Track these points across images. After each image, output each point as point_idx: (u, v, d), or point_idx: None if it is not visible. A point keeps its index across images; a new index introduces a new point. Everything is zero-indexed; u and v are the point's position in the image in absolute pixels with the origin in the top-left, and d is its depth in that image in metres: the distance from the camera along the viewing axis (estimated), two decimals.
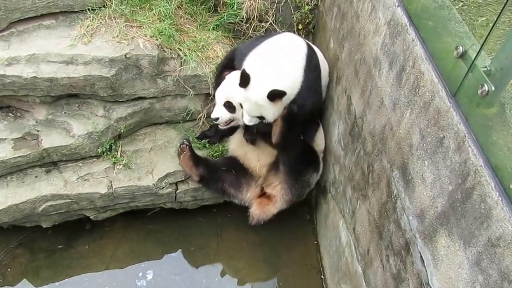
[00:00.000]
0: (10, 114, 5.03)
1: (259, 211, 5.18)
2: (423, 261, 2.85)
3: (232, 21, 5.43)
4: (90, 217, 5.40)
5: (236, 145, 5.41)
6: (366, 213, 3.90)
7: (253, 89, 4.37)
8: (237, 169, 5.29)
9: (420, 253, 2.90)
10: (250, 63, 4.56)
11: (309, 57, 4.64)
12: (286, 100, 4.45)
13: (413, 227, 2.99)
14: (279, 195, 5.12)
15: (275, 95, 4.29)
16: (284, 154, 5.01)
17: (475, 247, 2.31)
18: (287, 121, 4.58)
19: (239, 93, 4.54)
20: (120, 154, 5.20)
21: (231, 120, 5.01)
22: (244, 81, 4.36)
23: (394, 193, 3.29)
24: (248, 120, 4.64)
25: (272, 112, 4.46)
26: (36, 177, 5.00)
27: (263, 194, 5.28)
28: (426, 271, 2.81)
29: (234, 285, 5.25)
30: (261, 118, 4.58)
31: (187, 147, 5.13)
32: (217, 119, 4.93)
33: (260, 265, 5.42)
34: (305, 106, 4.59)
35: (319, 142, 5.22)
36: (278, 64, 4.44)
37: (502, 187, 2.16)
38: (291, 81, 4.45)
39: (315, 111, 5.06)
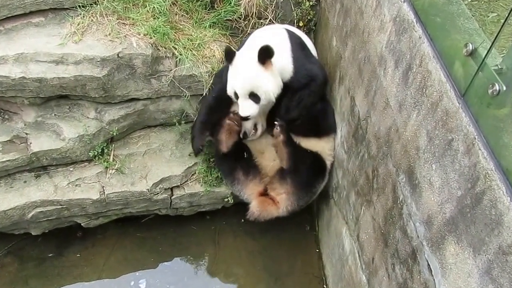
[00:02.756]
0: None
1: (260, 209, 5.12)
2: (431, 269, 2.84)
3: (230, 18, 5.42)
4: (82, 224, 5.40)
5: (255, 141, 5.38)
6: (370, 220, 3.89)
7: (241, 59, 4.47)
8: (249, 161, 5.28)
9: (427, 261, 2.88)
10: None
11: (292, 37, 4.75)
12: (280, 71, 4.53)
13: (420, 234, 2.98)
14: (283, 204, 5.09)
15: (264, 54, 4.31)
16: (292, 168, 5.00)
17: (485, 255, 2.29)
18: (288, 142, 4.67)
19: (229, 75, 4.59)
20: (113, 158, 5.19)
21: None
22: (229, 56, 4.49)
23: (400, 199, 3.27)
24: (245, 110, 4.57)
25: (267, 83, 4.46)
26: (25, 182, 4.99)
27: (265, 194, 5.24)
28: (434, 280, 2.79)
29: None
30: (258, 98, 4.54)
31: (239, 120, 5.02)
32: (247, 117, 4.67)
33: (259, 274, 5.41)
34: (308, 82, 4.67)
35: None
36: (261, 42, 4.48)
37: None
38: (279, 49, 4.50)
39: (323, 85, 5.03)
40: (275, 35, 4.74)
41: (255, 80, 4.45)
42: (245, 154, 5.27)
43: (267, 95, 4.53)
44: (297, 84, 4.63)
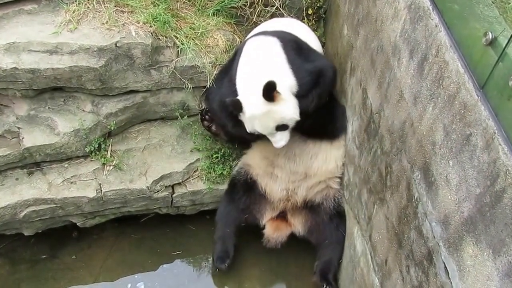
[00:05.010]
0: None
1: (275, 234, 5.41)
2: (448, 272, 2.84)
3: (234, 5, 5.40)
4: (77, 224, 5.40)
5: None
6: (383, 219, 3.89)
7: (248, 105, 4.45)
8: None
9: (444, 263, 2.88)
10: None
11: (286, 45, 4.67)
12: (291, 88, 4.50)
13: (436, 235, 2.98)
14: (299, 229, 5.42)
15: (268, 91, 4.29)
16: None
17: (506, 257, 2.29)
18: None
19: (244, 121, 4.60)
20: (110, 153, 5.20)
21: None
22: (237, 108, 4.46)
23: (415, 197, 3.28)
24: (278, 142, 4.67)
25: (285, 111, 4.46)
26: (17, 179, 5.00)
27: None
28: (451, 283, 2.79)
29: None
30: (286, 126, 4.59)
31: None
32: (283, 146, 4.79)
33: (266, 276, 5.42)
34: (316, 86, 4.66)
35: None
36: (257, 69, 4.53)
37: None
38: (275, 70, 4.49)
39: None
40: (268, 51, 4.65)
41: (273, 118, 4.47)
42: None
43: (291, 120, 4.55)
44: (305, 90, 4.61)
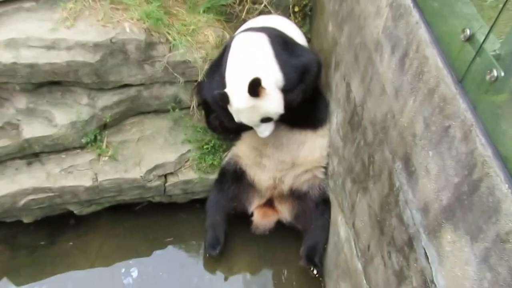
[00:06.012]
0: None
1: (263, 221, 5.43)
2: (428, 257, 2.83)
3: (224, 3, 5.38)
4: (74, 212, 5.38)
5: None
6: (366, 207, 3.89)
7: (234, 99, 4.46)
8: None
9: (424, 249, 2.88)
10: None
11: (273, 41, 4.65)
12: (277, 83, 4.49)
13: (417, 222, 2.98)
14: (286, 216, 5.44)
15: (253, 87, 4.30)
16: None
17: (482, 243, 2.29)
18: None
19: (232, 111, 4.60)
20: (106, 145, 5.17)
21: None
22: (224, 100, 4.47)
23: (396, 186, 3.27)
24: (263, 132, 4.70)
25: (270, 106, 4.47)
26: (16, 169, 4.98)
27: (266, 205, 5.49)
28: (431, 268, 2.79)
29: (228, 283, 5.23)
30: (270, 119, 4.61)
31: None
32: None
33: (255, 261, 5.41)
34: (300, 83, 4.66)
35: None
36: (245, 64, 4.53)
37: None
38: (262, 65, 4.48)
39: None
40: (256, 46, 4.63)
41: (258, 112, 4.48)
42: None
43: (276, 114, 4.57)
44: (291, 85, 4.60)
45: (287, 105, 4.57)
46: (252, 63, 4.48)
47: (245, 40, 4.69)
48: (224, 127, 5.11)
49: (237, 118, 4.60)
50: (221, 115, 4.89)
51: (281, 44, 4.66)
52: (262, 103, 4.40)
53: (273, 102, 4.46)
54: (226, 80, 4.58)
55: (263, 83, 4.30)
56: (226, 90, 4.47)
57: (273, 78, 4.45)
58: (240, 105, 4.43)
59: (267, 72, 4.43)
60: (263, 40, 4.59)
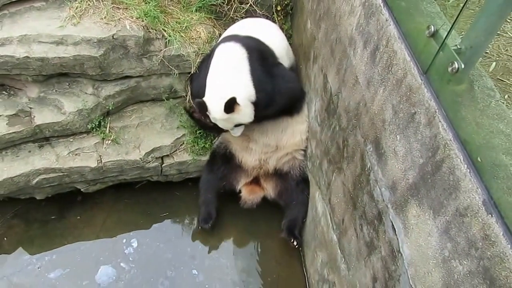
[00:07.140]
0: (4, 92, 4.93)
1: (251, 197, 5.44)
2: (395, 229, 2.83)
3: (214, 3, 5.34)
4: (81, 190, 5.37)
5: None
6: (341, 185, 3.88)
7: (211, 109, 4.49)
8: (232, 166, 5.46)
9: (391, 222, 2.88)
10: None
11: (251, 56, 4.60)
12: (249, 98, 4.51)
13: (386, 198, 2.97)
14: (271, 193, 5.45)
15: (229, 107, 4.34)
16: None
17: (444, 217, 2.29)
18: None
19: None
20: (109, 130, 5.14)
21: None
22: (202, 109, 4.51)
23: (368, 166, 3.26)
24: (235, 133, 4.81)
25: (242, 118, 4.55)
26: (29, 151, 4.93)
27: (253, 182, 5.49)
28: (398, 239, 2.79)
29: (217, 252, 5.26)
30: (241, 125, 4.73)
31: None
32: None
33: (241, 234, 5.44)
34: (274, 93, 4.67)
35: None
36: (222, 78, 4.53)
37: (470, 160, 2.14)
38: (238, 83, 4.48)
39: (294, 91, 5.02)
40: (234, 61, 4.55)
41: (231, 122, 4.58)
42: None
43: (247, 122, 4.65)
44: (264, 103, 4.61)
45: (260, 117, 4.69)
46: (229, 80, 4.48)
47: (226, 53, 4.63)
48: (203, 124, 5.08)
49: (214, 121, 4.63)
50: (202, 115, 4.86)
51: (259, 59, 4.61)
52: (235, 116, 4.46)
53: (245, 114, 4.52)
54: (206, 86, 4.59)
55: (238, 100, 4.34)
56: (204, 98, 4.50)
57: (246, 94, 4.46)
58: (217, 116, 4.48)
59: (242, 88, 4.45)
60: (242, 56, 4.54)
